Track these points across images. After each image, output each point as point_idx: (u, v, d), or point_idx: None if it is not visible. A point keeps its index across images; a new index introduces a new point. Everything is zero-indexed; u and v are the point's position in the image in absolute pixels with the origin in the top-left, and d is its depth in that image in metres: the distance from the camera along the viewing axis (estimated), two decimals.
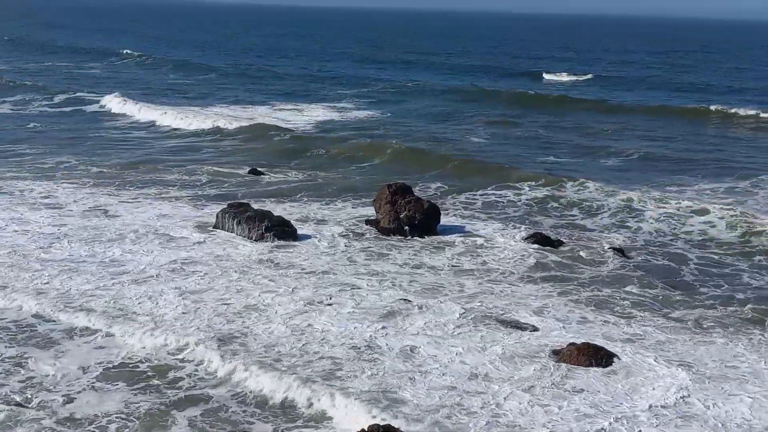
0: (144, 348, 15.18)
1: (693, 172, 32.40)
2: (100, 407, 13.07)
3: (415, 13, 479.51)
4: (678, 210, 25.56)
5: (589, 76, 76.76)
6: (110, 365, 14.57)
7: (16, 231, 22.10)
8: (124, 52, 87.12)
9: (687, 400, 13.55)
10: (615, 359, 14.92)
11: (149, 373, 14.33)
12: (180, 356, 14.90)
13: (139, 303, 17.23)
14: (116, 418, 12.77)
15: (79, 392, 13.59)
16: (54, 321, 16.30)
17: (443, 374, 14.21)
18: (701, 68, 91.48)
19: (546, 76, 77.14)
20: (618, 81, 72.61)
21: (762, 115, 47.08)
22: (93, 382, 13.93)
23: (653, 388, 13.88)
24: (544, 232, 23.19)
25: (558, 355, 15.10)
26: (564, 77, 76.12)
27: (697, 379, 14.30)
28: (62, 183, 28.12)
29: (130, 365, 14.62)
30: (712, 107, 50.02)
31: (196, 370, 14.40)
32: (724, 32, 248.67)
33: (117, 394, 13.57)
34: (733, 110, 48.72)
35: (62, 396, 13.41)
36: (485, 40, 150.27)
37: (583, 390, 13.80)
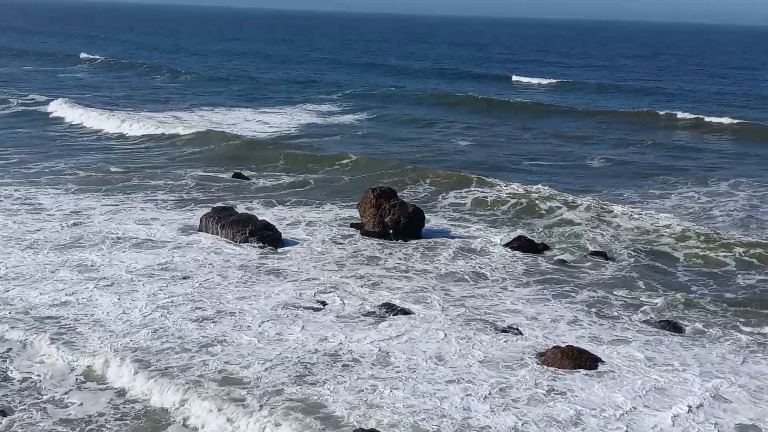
0: (115, 353, 14.91)
1: (658, 178, 32.43)
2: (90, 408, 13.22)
3: (402, 18, 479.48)
4: (649, 217, 25.62)
5: (568, 80, 77.06)
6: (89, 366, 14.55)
7: None
8: (100, 58, 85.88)
9: (670, 403, 13.66)
10: (599, 363, 15.04)
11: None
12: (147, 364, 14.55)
13: (110, 309, 16.96)
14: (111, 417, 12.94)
15: (67, 392, 13.71)
16: (23, 328, 15.96)
17: (423, 379, 14.19)
18: (678, 73, 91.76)
19: (520, 79, 77.44)
20: (590, 86, 72.32)
21: (730, 122, 47.11)
22: (81, 383, 14.04)
23: (635, 393, 13.95)
24: (527, 235, 23.31)
25: (542, 358, 15.19)
26: (541, 81, 76.31)
27: (681, 381, 14.44)
28: (45, 187, 27.95)
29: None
30: (680, 114, 50.10)
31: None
32: (714, 36, 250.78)
33: (105, 393, 13.70)
34: (700, 117, 48.82)
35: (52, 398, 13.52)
36: (468, 45, 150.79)
37: (563, 393, 13.86)
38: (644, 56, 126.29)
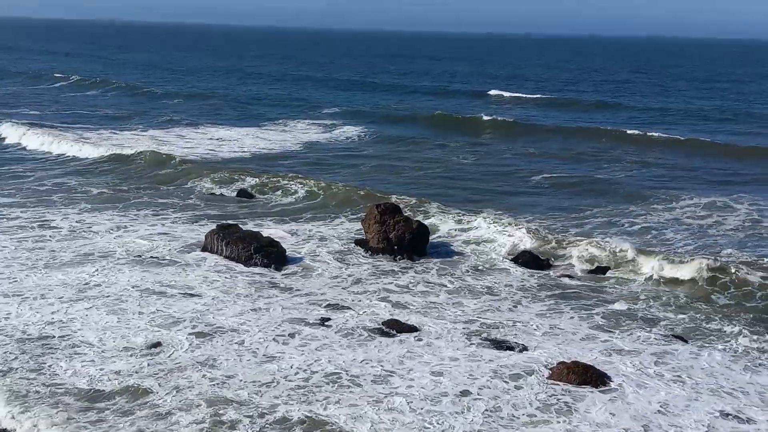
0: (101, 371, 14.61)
1: (659, 192, 32.06)
2: None
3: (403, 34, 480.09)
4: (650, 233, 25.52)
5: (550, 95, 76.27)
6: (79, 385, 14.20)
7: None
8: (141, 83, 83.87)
9: (677, 423, 13.50)
10: (606, 378, 14.91)
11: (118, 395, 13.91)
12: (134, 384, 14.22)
13: (101, 328, 16.64)
14: None
15: None
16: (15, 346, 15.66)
17: (422, 397, 13.99)
18: (657, 89, 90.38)
19: (502, 93, 77.14)
20: (567, 102, 71.06)
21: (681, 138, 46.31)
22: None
23: (640, 412, 13.72)
24: (533, 251, 23.21)
25: (548, 374, 15.07)
26: (520, 95, 75.98)
27: (691, 398, 14.31)
28: (55, 205, 28.03)
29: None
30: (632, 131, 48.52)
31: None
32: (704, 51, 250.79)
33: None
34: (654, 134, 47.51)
35: None
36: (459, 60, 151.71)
37: (564, 412, 13.63)
38: (644, 72, 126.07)
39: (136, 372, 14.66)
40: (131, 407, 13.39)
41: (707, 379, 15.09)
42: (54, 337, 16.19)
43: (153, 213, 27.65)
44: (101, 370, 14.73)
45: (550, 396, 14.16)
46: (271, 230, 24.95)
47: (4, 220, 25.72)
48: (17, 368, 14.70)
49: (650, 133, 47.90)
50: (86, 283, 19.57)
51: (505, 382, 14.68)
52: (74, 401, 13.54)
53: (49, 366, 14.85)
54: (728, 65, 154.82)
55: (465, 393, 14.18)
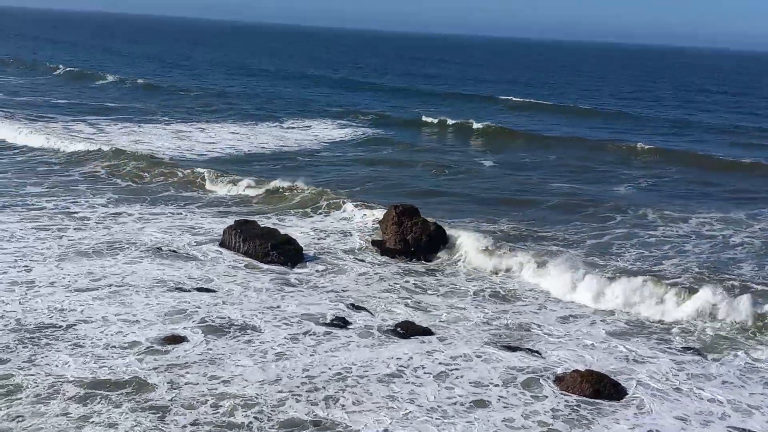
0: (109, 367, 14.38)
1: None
2: None
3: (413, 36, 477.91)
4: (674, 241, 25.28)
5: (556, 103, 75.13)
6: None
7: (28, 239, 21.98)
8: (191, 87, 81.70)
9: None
10: (620, 388, 14.77)
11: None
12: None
13: (110, 321, 16.46)
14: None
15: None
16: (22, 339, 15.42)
17: (431, 403, 13.75)
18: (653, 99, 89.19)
19: (513, 99, 76.13)
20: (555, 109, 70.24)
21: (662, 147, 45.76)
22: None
23: (656, 424, 13.51)
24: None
25: (560, 382, 14.90)
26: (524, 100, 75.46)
27: (707, 412, 14.10)
28: (82, 196, 28.28)
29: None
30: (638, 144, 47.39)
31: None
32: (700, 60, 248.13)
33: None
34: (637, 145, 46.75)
35: None
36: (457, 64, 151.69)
37: (580, 421, 13.42)
38: (662, 82, 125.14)
39: (140, 366, 14.46)
40: (132, 401, 13.20)
41: (727, 393, 14.80)
42: (61, 327, 16.04)
43: (175, 206, 27.74)
44: (104, 362, 14.55)
45: (564, 406, 13.93)
46: (289, 227, 25.00)
47: (31, 210, 25.80)
48: (15, 357, 14.54)
49: (668, 147, 47.35)
50: (101, 274, 19.54)
51: (519, 389, 14.48)
52: (74, 393, 13.39)
53: (51, 356, 14.67)
54: (750, 77, 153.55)
55: (476, 399, 13.98)
